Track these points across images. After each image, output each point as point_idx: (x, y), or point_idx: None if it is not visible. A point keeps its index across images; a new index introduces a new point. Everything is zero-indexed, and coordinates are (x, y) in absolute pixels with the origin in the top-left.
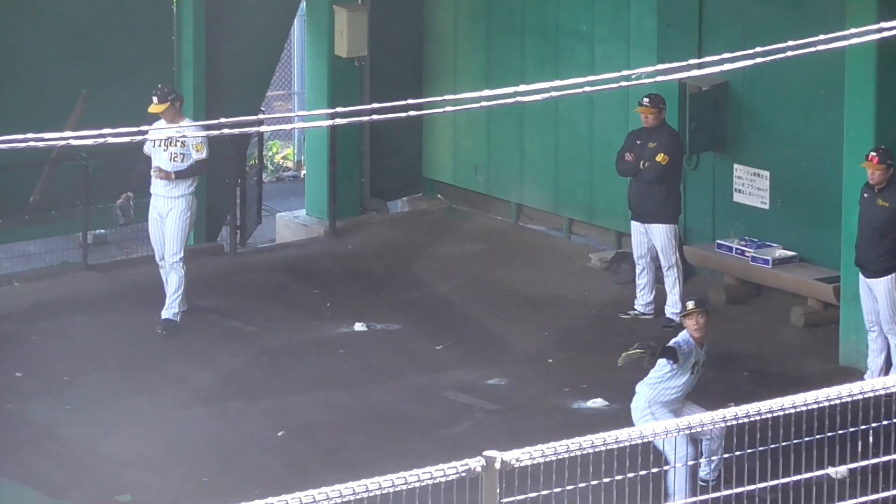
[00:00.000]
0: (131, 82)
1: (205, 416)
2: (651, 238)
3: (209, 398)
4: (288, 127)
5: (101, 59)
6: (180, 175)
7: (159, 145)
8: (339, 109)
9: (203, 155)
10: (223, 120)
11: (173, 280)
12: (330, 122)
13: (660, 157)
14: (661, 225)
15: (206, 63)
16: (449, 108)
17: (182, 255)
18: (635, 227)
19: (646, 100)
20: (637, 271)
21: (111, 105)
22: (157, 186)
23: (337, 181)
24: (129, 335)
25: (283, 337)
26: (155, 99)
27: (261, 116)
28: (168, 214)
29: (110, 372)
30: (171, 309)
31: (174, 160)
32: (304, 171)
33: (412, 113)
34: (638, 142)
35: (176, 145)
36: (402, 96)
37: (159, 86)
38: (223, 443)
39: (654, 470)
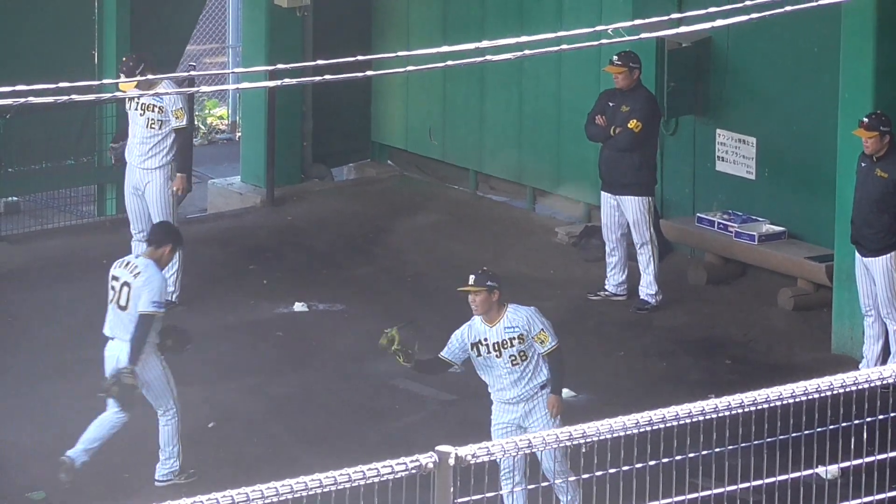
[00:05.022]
0: (49, 35)
1: None
2: (623, 211)
3: None
4: (220, 88)
5: (12, 8)
6: (183, 168)
7: (135, 109)
8: (280, 66)
9: (183, 122)
10: (150, 77)
11: None
12: (271, 84)
13: (632, 124)
14: (633, 197)
15: (131, 13)
16: (410, 68)
17: None
18: (605, 198)
19: (615, 58)
20: (607, 248)
21: (23, 59)
22: (133, 155)
23: (275, 145)
24: (42, 314)
25: (215, 318)
26: (122, 76)
27: (191, 73)
28: (146, 189)
29: (20, 354)
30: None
31: (151, 126)
32: (239, 134)
33: (365, 74)
34: (610, 104)
35: (153, 111)
36: (349, 50)
37: (124, 58)
38: (147, 434)
39: (625, 468)
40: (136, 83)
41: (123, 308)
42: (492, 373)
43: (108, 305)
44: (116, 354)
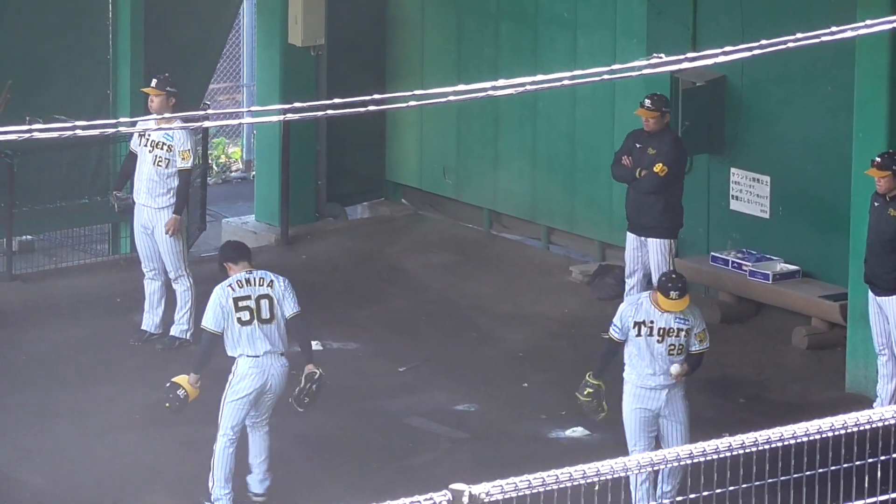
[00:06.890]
0: (61, 73)
1: (139, 442)
2: (646, 252)
3: (145, 423)
4: (234, 122)
5: (28, 48)
6: (178, 210)
7: (145, 145)
8: (295, 105)
9: (188, 164)
10: (166, 115)
11: (178, 295)
12: (283, 117)
13: (658, 168)
14: (656, 240)
15: (146, 54)
16: (418, 103)
17: (184, 270)
18: (630, 239)
19: (647, 101)
20: (627, 287)
21: (39, 98)
22: (140, 195)
23: (290, 184)
24: (56, 352)
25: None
26: (154, 81)
27: (207, 112)
28: (155, 229)
29: (33, 392)
30: (178, 325)
31: (158, 164)
32: (253, 173)
33: (375, 108)
34: (637, 145)
35: (162, 148)
36: (363, 90)
37: (166, 74)
38: (160, 473)
39: None
40: (155, 102)
41: (268, 321)
42: (644, 355)
43: (243, 328)
44: (268, 367)
